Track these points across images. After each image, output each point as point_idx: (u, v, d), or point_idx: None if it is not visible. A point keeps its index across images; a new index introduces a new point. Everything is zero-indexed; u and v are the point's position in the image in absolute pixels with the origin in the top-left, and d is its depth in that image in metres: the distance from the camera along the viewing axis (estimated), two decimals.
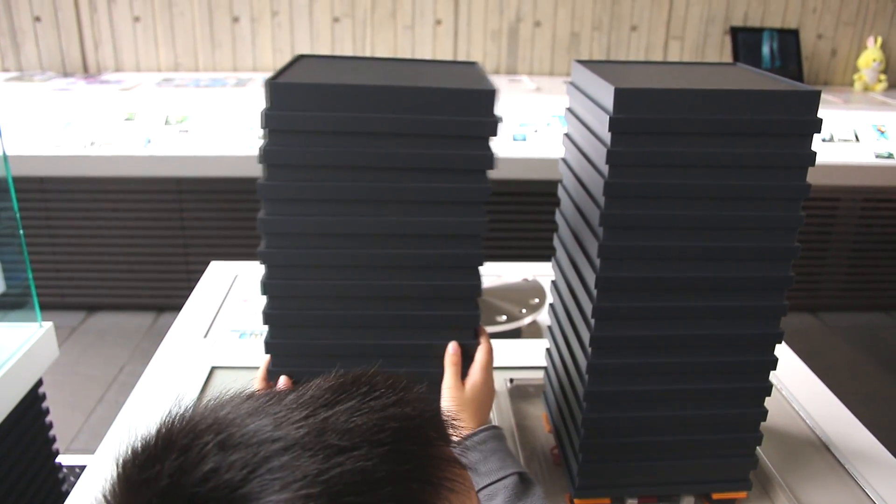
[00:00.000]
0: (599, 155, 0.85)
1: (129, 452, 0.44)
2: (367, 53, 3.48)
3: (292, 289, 0.89)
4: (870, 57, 3.55)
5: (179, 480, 0.40)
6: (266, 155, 0.83)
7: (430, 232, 0.87)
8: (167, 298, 3.07)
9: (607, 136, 0.82)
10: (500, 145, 2.86)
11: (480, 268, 0.91)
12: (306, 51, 3.44)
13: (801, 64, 3.53)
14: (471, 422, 0.89)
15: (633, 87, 0.81)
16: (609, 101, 0.82)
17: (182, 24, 3.39)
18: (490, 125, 0.84)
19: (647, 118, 0.81)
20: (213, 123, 2.95)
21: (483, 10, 3.45)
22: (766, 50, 3.50)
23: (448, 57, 3.50)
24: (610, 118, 0.81)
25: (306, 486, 0.39)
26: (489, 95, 0.83)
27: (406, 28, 3.45)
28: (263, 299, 0.91)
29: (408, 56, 3.49)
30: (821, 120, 0.85)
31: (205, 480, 0.40)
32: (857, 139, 3.11)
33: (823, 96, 3.35)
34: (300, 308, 0.91)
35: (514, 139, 2.94)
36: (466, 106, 0.83)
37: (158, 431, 0.44)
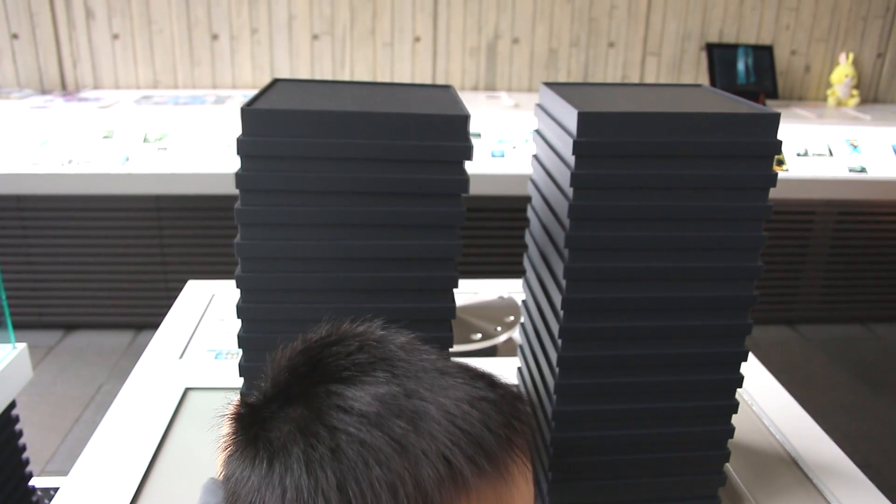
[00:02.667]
0: (564, 177, 0.86)
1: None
2: (347, 71, 3.49)
3: (267, 312, 0.89)
4: (842, 73, 3.61)
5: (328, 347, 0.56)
6: (241, 180, 0.84)
7: (404, 256, 0.88)
8: (146, 317, 3.06)
9: (571, 159, 0.83)
10: (479, 162, 2.89)
11: (455, 290, 0.92)
12: (286, 68, 3.46)
13: (776, 79, 3.58)
14: None
15: (596, 110, 0.83)
16: (573, 125, 0.83)
17: (161, 42, 3.39)
18: (463, 149, 0.85)
19: (611, 141, 0.83)
20: (193, 141, 2.95)
21: (462, 27, 3.48)
22: (741, 66, 3.54)
23: (427, 74, 3.53)
24: (573, 141, 0.82)
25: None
26: (462, 120, 0.84)
27: (385, 45, 3.47)
28: (239, 320, 0.92)
29: (387, 73, 3.51)
30: (780, 142, 0.86)
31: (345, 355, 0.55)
32: (831, 153, 3.15)
33: (798, 111, 3.40)
34: (275, 332, 0.91)
35: (493, 155, 2.96)
36: (439, 131, 0.84)
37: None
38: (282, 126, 0.82)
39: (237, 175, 0.84)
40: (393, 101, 0.93)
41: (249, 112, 0.82)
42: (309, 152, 0.83)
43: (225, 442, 0.56)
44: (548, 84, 0.99)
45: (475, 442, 0.49)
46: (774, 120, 0.86)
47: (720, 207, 0.87)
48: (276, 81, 1.00)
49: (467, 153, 0.85)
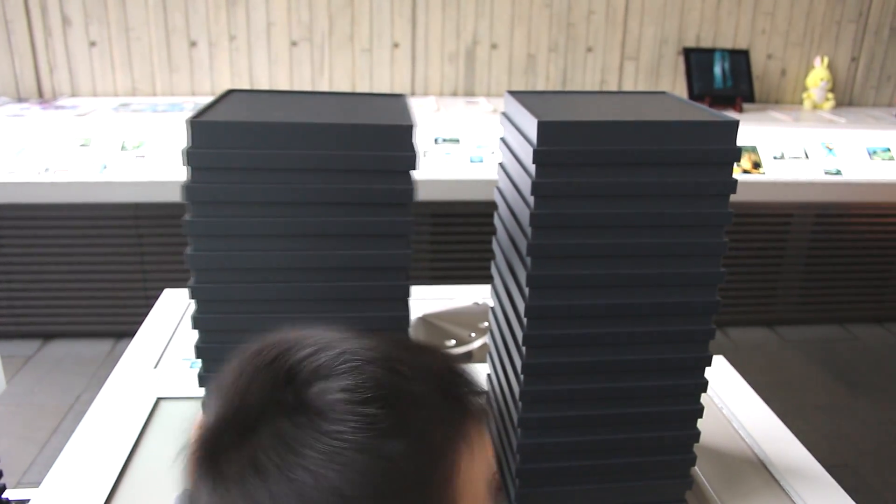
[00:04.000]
0: (526, 186, 0.87)
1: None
2: (326, 77, 3.49)
3: (223, 322, 0.89)
4: (817, 76, 3.65)
5: (285, 357, 0.54)
6: (189, 192, 0.84)
7: (355, 265, 0.88)
8: (125, 325, 3.04)
9: (532, 168, 0.84)
10: (458, 167, 2.90)
11: (408, 298, 0.93)
12: (264, 75, 3.45)
13: (753, 83, 3.61)
14: None
15: (556, 119, 0.83)
16: (533, 133, 0.84)
17: (139, 49, 3.38)
18: (408, 159, 0.86)
19: (571, 150, 0.84)
20: (171, 149, 2.94)
21: (440, 32, 3.49)
22: (718, 70, 3.57)
23: (406, 80, 3.53)
24: (534, 150, 0.83)
25: (371, 389, 0.50)
26: (407, 130, 0.85)
27: (364, 51, 3.47)
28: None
29: (366, 79, 3.51)
30: (739, 149, 0.88)
31: (302, 360, 0.53)
32: (807, 156, 3.18)
33: (774, 115, 3.43)
34: (231, 342, 0.91)
35: (472, 161, 2.97)
36: (384, 141, 0.85)
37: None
38: (229, 137, 0.82)
39: (185, 187, 0.84)
40: (342, 112, 0.93)
41: (197, 123, 0.82)
42: (257, 163, 0.83)
43: (185, 460, 0.56)
44: (512, 92, 1.00)
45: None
46: (733, 127, 0.87)
47: (681, 214, 0.88)
48: (230, 92, 1.00)
49: (412, 162, 0.85)
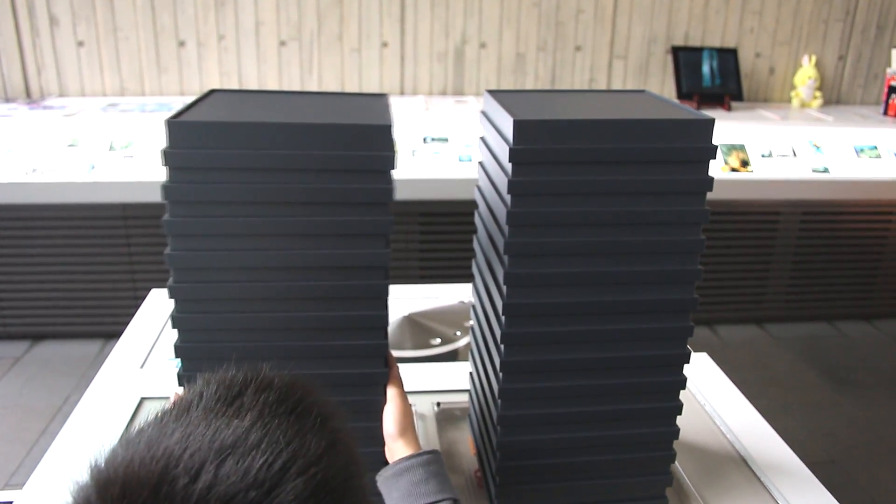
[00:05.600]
0: (503, 184, 0.87)
1: None
2: (315, 76, 3.49)
3: (201, 321, 0.90)
4: (805, 75, 3.66)
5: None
6: (168, 192, 0.84)
7: (335, 264, 0.89)
8: (114, 326, 3.02)
9: (509, 167, 0.85)
10: (446, 166, 2.90)
11: (387, 297, 0.93)
12: (253, 75, 3.45)
13: (741, 82, 3.62)
14: (413, 442, 0.90)
15: (532, 118, 0.84)
16: (509, 132, 0.84)
17: (127, 49, 3.37)
18: (386, 159, 0.86)
19: (546, 148, 0.84)
20: (159, 149, 2.93)
21: (429, 32, 3.49)
22: (706, 68, 3.58)
23: (395, 79, 3.53)
24: (510, 149, 0.83)
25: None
26: (385, 130, 0.85)
27: (353, 51, 3.47)
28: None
29: (355, 79, 3.51)
30: (715, 147, 0.88)
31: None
32: (795, 154, 3.20)
33: (763, 113, 3.44)
34: (210, 340, 0.91)
35: (460, 160, 2.97)
36: (362, 141, 0.85)
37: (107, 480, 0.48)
38: (207, 137, 0.82)
39: (164, 187, 0.84)
40: (323, 112, 0.94)
41: (175, 124, 0.82)
42: (235, 163, 0.84)
43: None
44: (491, 92, 1.00)
45: None
46: (709, 125, 0.87)
47: (658, 212, 0.89)
48: (211, 92, 1.00)
49: (391, 162, 0.86)
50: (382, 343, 0.93)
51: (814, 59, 3.68)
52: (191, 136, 0.82)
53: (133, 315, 1.65)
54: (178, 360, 0.93)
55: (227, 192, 0.84)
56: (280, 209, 0.86)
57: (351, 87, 3.53)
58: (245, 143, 0.83)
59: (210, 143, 0.82)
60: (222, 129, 0.82)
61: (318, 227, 0.87)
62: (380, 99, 1.02)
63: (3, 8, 3.25)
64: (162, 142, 0.83)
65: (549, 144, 0.84)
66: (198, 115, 0.88)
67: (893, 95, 3.58)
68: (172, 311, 0.89)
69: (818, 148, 3.22)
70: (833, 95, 3.84)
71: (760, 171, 3.11)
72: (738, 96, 3.59)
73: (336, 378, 0.94)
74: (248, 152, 0.83)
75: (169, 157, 0.83)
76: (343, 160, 0.85)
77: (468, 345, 1.57)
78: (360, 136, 0.85)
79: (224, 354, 0.92)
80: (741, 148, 3.13)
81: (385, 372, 0.95)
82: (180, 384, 0.93)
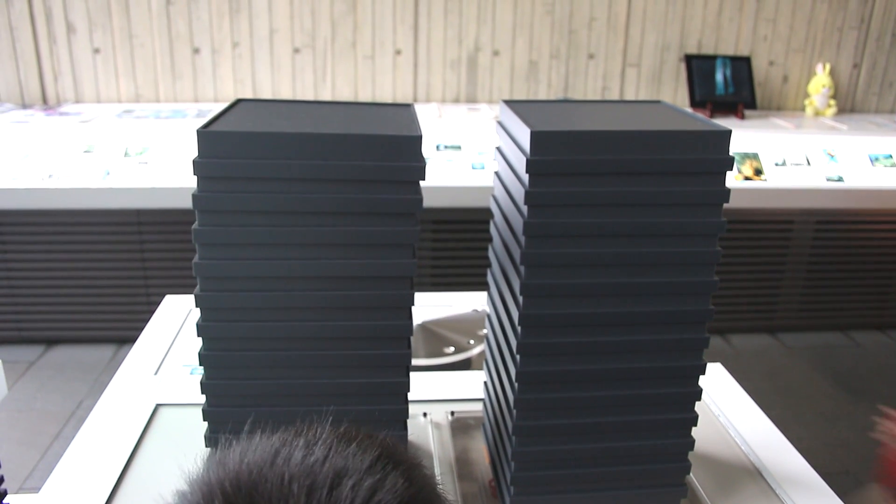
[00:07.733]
0: (520, 195, 0.88)
1: None
2: (328, 84, 3.51)
3: (227, 331, 0.90)
4: (819, 83, 3.65)
5: None
6: (198, 201, 0.85)
7: (361, 274, 0.89)
8: (127, 331, 3.05)
9: (526, 177, 0.85)
10: (459, 174, 2.90)
11: (412, 307, 0.93)
12: (267, 82, 3.47)
13: (754, 90, 3.61)
14: None
15: (549, 129, 0.84)
16: (527, 143, 0.84)
17: (142, 56, 3.40)
18: (416, 170, 0.86)
19: (563, 159, 0.84)
20: (174, 155, 2.95)
21: (442, 39, 3.50)
22: (719, 77, 3.58)
23: (408, 86, 3.54)
24: (527, 160, 0.83)
25: None
26: (415, 141, 0.85)
27: (366, 58, 3.49)
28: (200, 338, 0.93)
29: (368, 86, 3.52)
30: (732, 158, 0.88)
31: None
32: (809, 163, 3.19)
33: (776, 121, 3.43)
34: (235, 350, 0.92)
35: (473, 168, 2.97)
36: (392, 151, 0.85)
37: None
38: (237, 147, 0.83)
39: (194, 196, 0.85)
40: (350, 122, 0.94)
41: (205, 134, 0.83)
42: (264, 173, 0.84)
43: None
44: (507, 102, 1.01)
45: None
46: (726, 137, 0.87)
47: (674, 223, 0.89)
48: (238, 101, 1.01)
49: (420, 173, 0.86)
50: (406, 353, 0.93)
51: (828, 67, 3.67)
52: (221, 146, 0.83)
53: (146, 320, 1.66)
54: (199, 367, 0.93)
55: (255, 201, 0.85)
56: (308, 219, 0.87)
57: (364, 95, 3.54)
58: (274, 153, 0.84)
59: (240, 153, 0.83)
60: (252, 139, 0.83)
61: (346, 237, 0.87)
62: (406, 109, 1.03)
63: (22, 15, 3.28)
64: (176, 148, 0.84)
65: (567, 155, 0.84)
66: (227, 125, 0.88)
67: None
68: (198, 320, 0.90)
69: (832, 156, 3.21)
70: (847, 104, 3.83)
71: (774, 179, 3.10)
72: (752, 104, 3.59)
73: (359, 388, 0.94)
74: (277, 162, 0.84)
75: (199, 166, 0.84)
76: (373, 171, 0.85)
77: (482, 353, 1.57)
78: (391, 146, 0.85)
79: (248, 364, 0.93)
80: (755, 156, 3.13)
81: (406, 382, 0.95)
82: (203, 392, 0.94)
